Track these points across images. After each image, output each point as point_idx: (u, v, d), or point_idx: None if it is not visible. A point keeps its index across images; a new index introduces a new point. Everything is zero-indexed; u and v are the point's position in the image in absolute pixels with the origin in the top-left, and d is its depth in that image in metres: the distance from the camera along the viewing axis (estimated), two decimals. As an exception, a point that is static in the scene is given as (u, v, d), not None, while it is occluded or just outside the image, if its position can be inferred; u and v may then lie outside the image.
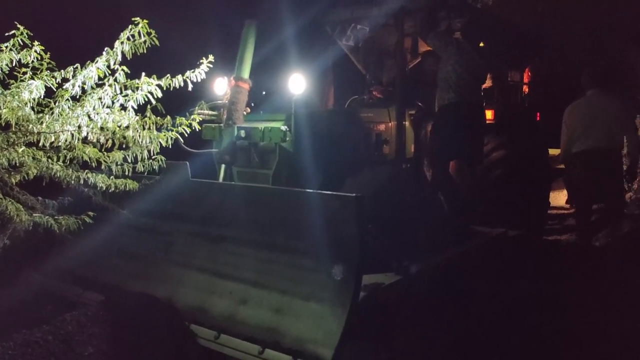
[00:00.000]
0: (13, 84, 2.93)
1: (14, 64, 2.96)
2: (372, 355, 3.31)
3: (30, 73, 2.98)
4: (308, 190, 3.43)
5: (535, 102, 7.25)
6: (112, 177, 3.05)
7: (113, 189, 3.07)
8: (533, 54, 7.17)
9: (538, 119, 7.12)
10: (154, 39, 3.01)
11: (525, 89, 7.11)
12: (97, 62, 2.83)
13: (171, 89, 3.11)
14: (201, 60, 3.20)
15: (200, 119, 3.23)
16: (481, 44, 5.58)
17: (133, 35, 2.84)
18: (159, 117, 2.94)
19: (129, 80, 2.87)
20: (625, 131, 5.49)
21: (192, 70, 3.17)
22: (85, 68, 2.92)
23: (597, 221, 7.16)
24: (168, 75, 3.11)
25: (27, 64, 2.98)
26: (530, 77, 7.17)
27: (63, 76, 3.02)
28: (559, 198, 8.87)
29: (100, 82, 2.89)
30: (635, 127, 5.99)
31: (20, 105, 2.76)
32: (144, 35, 2.84)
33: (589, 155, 5.44)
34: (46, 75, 2.97)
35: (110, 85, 2.79)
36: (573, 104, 5.76)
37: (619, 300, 4.35)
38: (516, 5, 10.15)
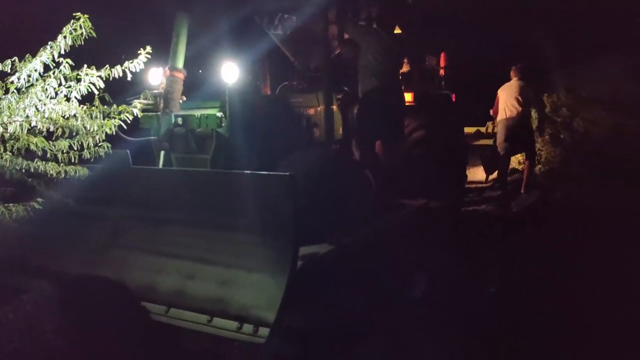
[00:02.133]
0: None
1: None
2: (311, 317, 3.65)
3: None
4: (245, 171, 3.71)
5: (451, 85, 7.80)
6: (62, 164, 3.18)
7: (63, 176, 3.20)
8: (448, 40, 7.70)
9: (454, 100, 7.68)
10: (92, 31, 3.16)
11: (442, 72, 7.64)
12: (41, 55, 2.96)
13: (110, 79, 3.28)
14: (139, 51, 3.37)
15: (142, 107, 3.41)
16: (398, 31, 6.00)
17: (75, 29, 2.99)
18: (105, 106, 3.12)
19: (73, 71, 3.02)
20: (534, 103, 7.94)
21: (131, 61, 3.33)
22: (27, 61, 3.04)
23: (511, 191, 7.92)
24: (107, 65, 3.27)
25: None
26: (446, 61, 7.70)
27: (1, 69, 3.13)
28: (476, 173, 9.59)
29: (44, 74, 3.03)
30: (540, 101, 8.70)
31: (-36, 99, 2.86)
32: (85, 29, 2.98)
33: (511, 119, 7.56)
34: (-16, 69, 3.07)
35: (56, 78, 2.93)
36: (503, 86, 7.80)
37: (528, 260, 4.94)
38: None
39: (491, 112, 8.14)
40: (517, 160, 9.19)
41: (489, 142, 9.14)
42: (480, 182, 9.33)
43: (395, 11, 5.92)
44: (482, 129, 9.44)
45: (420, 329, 3.64)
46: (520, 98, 7.50)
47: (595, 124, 7.98)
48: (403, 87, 6.02)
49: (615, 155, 7.10)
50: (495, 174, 9.53)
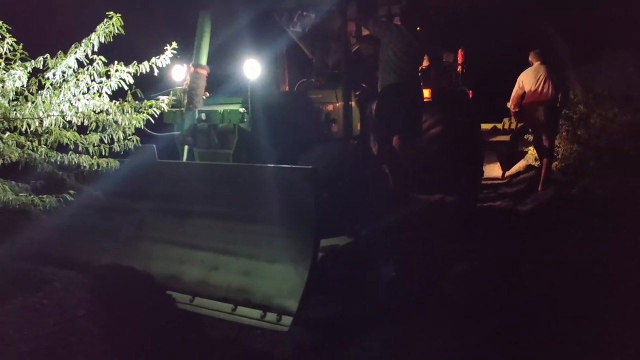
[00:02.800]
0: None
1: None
2: (330, 306, 3.76)
3: (4, 63, 3.21)
4: (268, 165, 3.81)
5: (468, 82, 7.84)
6: (95, 156, 3.31)
7: (95, 168, 3.33)
8: (465, 38, 7.76)
9: (471, 96, 7.72)
10: (120, 29, 3.29)
11: (459, 69, 7.69)
12: (75, 52, 3.09)
13: (138, 74, 3.40)
14: (165, 47, 3.49)
15: (170, 102, 3.52)
16: (417, 28, 6.07)
17: (108, 27, 3.11)
18: (137, 101, 3.24)
19: (104, 67, 3.15)
20: (557, 89, 7.80)
21: (157, 57, 3.46)
22: (60, 58, 3.17)
23: (528, 187, 7.97)
24: (135, 62, 3.40)
25: (0, 55, 3.20)
26: (463, 58, 7.74)
27: (34, 66, 3.27)
28: (493, 170, 9.62)
29: (76, 70, 3.16)
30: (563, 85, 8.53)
31: (2, 93, 2.99)
32: (118, 28, 3.10)
33: (545, 101, 7.66)
34: (18, 65, 3.20)
35: (89, 74, 3.06)
36: (526, 71, 7.85)
37: (542, 255, 5.00)
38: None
39: (509, 104, 8.10)
40: (534, 157, 9.21)
41: (506, 138, 9.16)
42: (497, 179, 9.36)
43: (416, 8, 5.99)
44: (499, 126, 9.45)
45: (434, 319, 3.72)
46: (550, 80, 7.65)
47: (611, 121, 7.96)
48: (421, 83, 6.09)
49: (630, 152, 7.09)
50: (512, 170, 9.58)
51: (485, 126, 8.84)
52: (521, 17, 10.36)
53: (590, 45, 9.15)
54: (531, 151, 9.28)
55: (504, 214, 6.96)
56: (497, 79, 9.04)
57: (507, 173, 9.43)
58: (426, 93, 6.35)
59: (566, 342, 3.43)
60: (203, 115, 4.56)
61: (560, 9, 9.34)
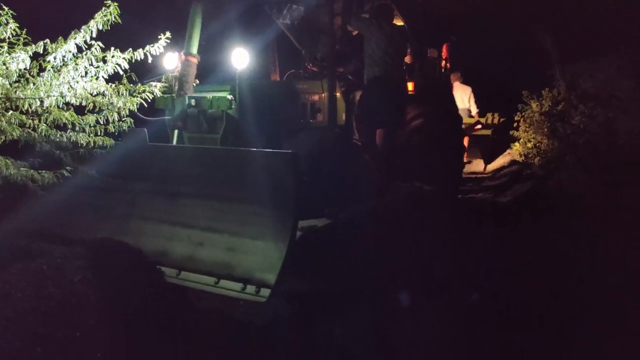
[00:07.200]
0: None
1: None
2: (305, 282, 4.03)
3: (7, 47, 3.44)
4: (252, 149, 4.07)
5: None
6: (91, 135, 3.56)
7: (92, 146, 3.57)
8: (450, 34, 8.01)
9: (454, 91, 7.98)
10: (117, 17, 3.53)
11: (443, 64, 7.94)
12: (75, 38, 3.32)
13: (133, 61, 3.65)
14: (159, 36, 3.73)
15: (162, 88, 3.77)
16: (400, 23, 6.31)
17: (106, 15, 3.35)
18: (131, 84, 3.49)
19: (102, 53, 3.39)
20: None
21: (152, 45, 3.70)
22: (61, 43, 3.40)
23: (507, 182, 8.27)
24: (130, 49, 3.64)
25: (4, 39, 3.43)
26: (448, 53, 7.99)
27: (35, 50, 3.50)
28: (479, 164, 9.93)
29: (75, 55, 3.40)
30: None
31: (7, 74, 3.22)
32: (115, 17, 3.34)
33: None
34: (19, 49, 3.43)
35: (88, 59, 3.30)
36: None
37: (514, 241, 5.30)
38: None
39: None
40: (517, 152, 9.50)
41: (488, 132, 9.45)
42: (480, 173, 9.67)
43: (397, 4, 6.23)
44: (482, 120, 9.75)
45: (404, 293, 4.00)
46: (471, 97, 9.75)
47: (592, 119, 8.25)
48: (406, 77, 6.34)
49: (606, 148, 7.39)
50: (495, 165, 9.88)
51: (469, 120, 9.12)
52: (511, 17, 10.62)
53: (579, 46, 9.43)
54: (516, 147, 9.59)
55: (482, 204, 7.26)
56: (482, 75, 9.34)
57: (490, 167, 9.74)
58: (410, 86, 6.60)
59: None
60: (193, 102, 4.80)
61: (552, 10, 9.61)
